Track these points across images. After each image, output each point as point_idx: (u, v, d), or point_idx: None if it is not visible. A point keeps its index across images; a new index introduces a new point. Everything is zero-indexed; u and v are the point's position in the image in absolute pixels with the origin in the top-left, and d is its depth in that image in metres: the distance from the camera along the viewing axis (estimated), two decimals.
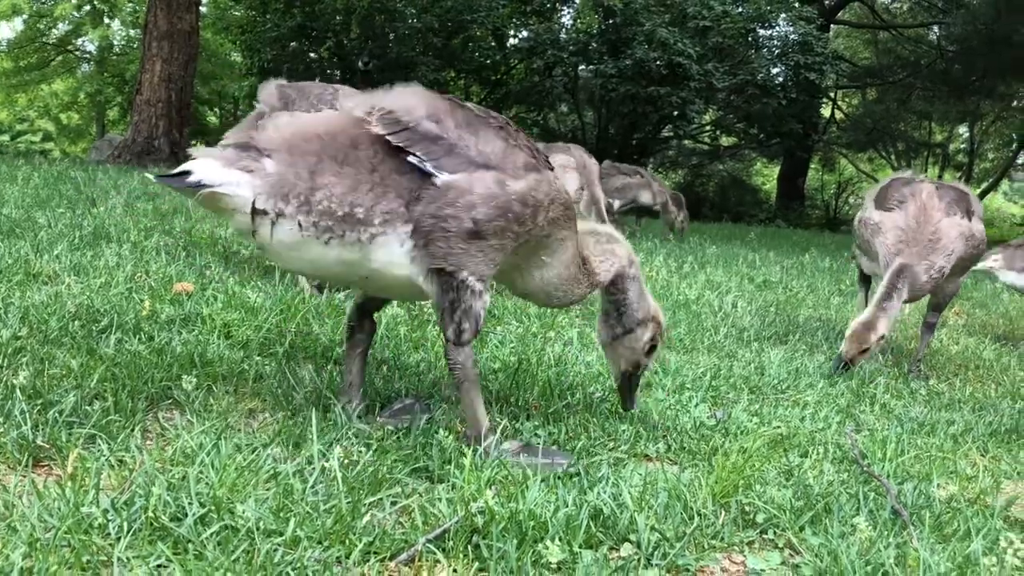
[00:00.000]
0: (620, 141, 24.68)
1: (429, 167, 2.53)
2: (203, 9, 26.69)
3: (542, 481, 2.48)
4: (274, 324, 3.61)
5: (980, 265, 6.07)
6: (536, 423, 3.05)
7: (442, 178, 2.52)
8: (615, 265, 3.04)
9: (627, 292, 3.08)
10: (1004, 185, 44.29)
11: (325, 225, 2.46)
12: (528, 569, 2.03)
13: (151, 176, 2.55)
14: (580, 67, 23.75)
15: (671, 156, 30.71)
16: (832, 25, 28.67)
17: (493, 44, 24.10)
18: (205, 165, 2.42)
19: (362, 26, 21.81)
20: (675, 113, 22.99)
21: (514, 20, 23.90)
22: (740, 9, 22.69)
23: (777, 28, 24.21)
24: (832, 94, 29.42)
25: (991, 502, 2.87)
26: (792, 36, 23.24)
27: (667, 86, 21.56)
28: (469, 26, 22.54)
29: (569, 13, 24.77)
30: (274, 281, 4.43)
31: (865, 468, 3.06)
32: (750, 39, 22.93)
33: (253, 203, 2.42)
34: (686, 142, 28.42)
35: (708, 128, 26.72)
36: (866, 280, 5.46)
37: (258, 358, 3.25)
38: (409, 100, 2.62)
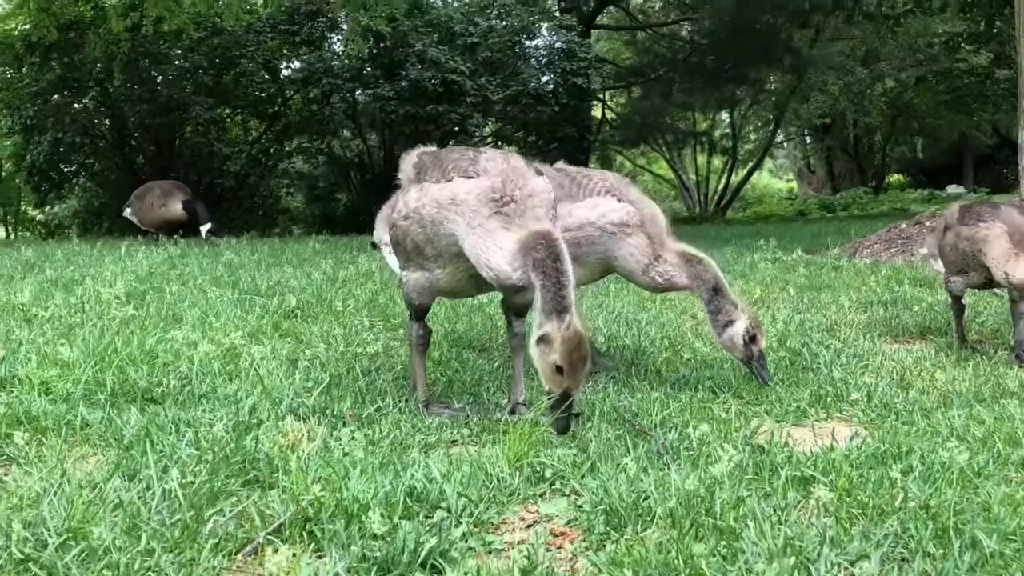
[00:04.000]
0: None
1: None
2: None
3: (361, 472, 2.86)
4: (91, 376, 3.80)
5: (921, 251, 6.68)
6: (352, 428, 3.40)
7: None
8: None
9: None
10: (769, 163, 47.77)
11: None
12: (356, 540, 2.40)
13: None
14: (357, 92, 23.98)
15: None
16: (592, 30, 30.15)
17: (267, 77, 23.97)
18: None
19: (126, 72, 21.22)
20: (456, 129, 23.61)
21: (284, 51, 23.86)
22: (504, 23, 23.61)
23: (541, 38, 25.28)
24: (601, 96, 30.92)
25: (737, 436, 3.46)
26: (557, 44, 24.35)
27: (444, 103, 22.15)
28: (239, 61, 22.36)
29: (339, 41, 24.98)
30: (83, 337, 4.57)
31: (633, 423, 3.60)
32: (517, 51, 23.86)
33: None
34: None
35: (490, 140, 27.56)
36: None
37: (82, 408, 3.44)
38: None
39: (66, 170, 23.99)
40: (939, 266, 5.89)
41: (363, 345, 4.80)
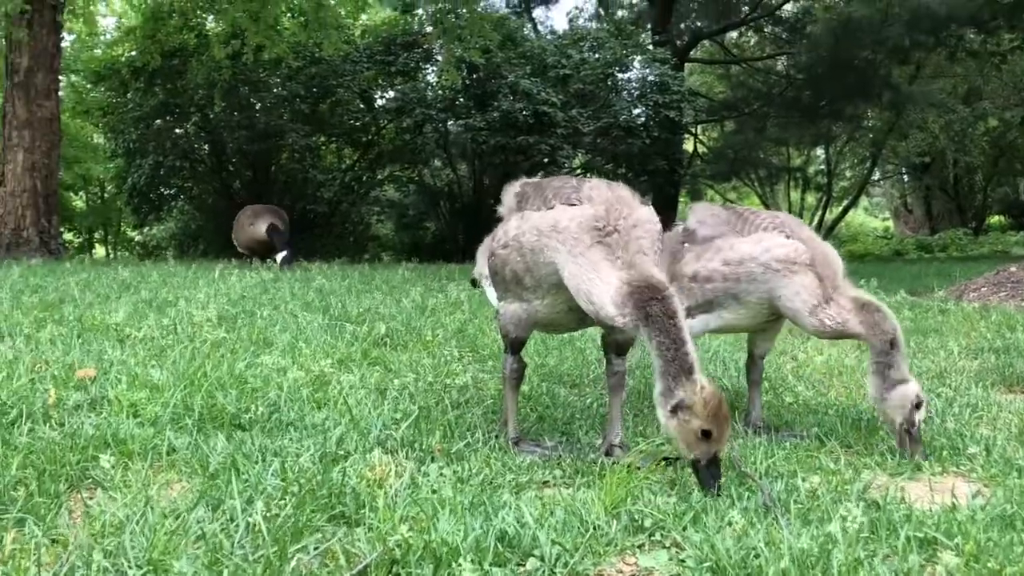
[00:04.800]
0: (495, 191, 25.10)
1: None
2: (61, 94, 26.28)
3: (450, 512, 2.72)
4: (180, 399, 3.76)
5: None
6: (441, 463, 3.28)
7: None
8: None
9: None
10: (864, 201, 46.74)
11: None
12: None
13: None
14: (449, 122, 24.18)
15: None
16: (686, 64, 29.96)
17: (361, 106, 24.36)
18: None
19: (226, 99, 21.79)
20: (545, 160, 23.60)
21: (380, 81, 24.21)
22: (597, 56, 23.59)
23: (634, 71, 25.17)
24: (693, 129, 30.64)
25: (851, 489, 3.24)
26: (649, 77, 24.21)
27: (535, 134, 22.17)
28: (335, 90, 22.77)
29: (434, 71, 25.27)
30: (173, 359, 4.56)
31: (740, 468, 3.40)
32: (609, 83, 23.78)
33: None
34: None
35: (579, 171, 27.48)
36: None
37: (169, 432, 3.39)
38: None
39: (165, 193, 24.70)
40: None
41: (452, 376, 4.69)
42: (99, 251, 34.84)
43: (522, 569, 2.49)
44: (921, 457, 3.89)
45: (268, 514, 2.62)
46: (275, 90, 23.30)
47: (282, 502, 2.68)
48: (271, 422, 3.64)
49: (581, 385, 4.96)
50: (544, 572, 2.46)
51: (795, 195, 34.74)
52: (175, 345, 4.93)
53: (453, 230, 25.82)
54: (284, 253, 12.55)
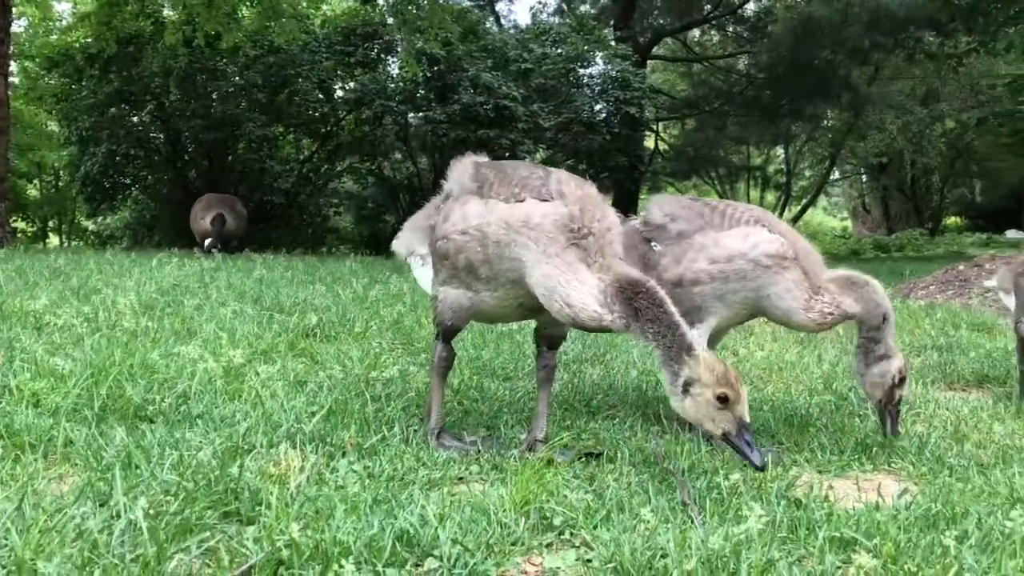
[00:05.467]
0: None
1: None
2: (15, 80, 25.70)
3: (349, 510, 2.59)
4: (84, 389, 3.59)
5: (986, 283, 6.21)
6: (352, 459, 3.14)
7: None
8: None
9: None
10: (823, 201, 47.11)
11: None
12: None
13: None
14: (410, 115, 23.98)
15: None
16: (648, 61, 29.94)
17: (320, 97, 24.06)
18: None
19: (182, 87, 21.43)
20: (507, 155, 23.46)
21: (339, 72, 23.94)
22: (559, 50, 23.50)
23: (596, 67, 25.11)
24: (654, 126, 30.66)
25: (773, 487, 3.15)
26: (611, 73, 24.15)
27: (496, 128, 22.01)
28: (294, 80, 22.46)
29: (394, 63, 25.03)
30: (87, 348, 4.38)
31: (663, 466, 3.30)
32: (571, 78, 23.70)
33: None
34: None
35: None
36: None
37: (67, 424, 3.23)
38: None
39: (119, 182, 24.23)
40: (1010, 301, 5.44)
41: (380, 369, 4.55)
42: (53, 240, 34.25)
43: (419, 570, 2.36)
44: (894, 434, 3.87)
45: (153, 511, 2.47)
46: (233, 79, 22.94)
47: (170, 498, 2.53)
48: (178, 414, 3.48)
49: (514, 378, 4.84)
50: (442, 573, 2.34)
51: (755, 193, 34.92)
52: (92, 333, 4.74)
53: None
54: (209, 240, 12.67)
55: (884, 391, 3.90)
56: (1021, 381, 5.17)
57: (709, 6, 29.53)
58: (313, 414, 3.54)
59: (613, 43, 26.24)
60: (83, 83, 22.57)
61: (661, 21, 30.04)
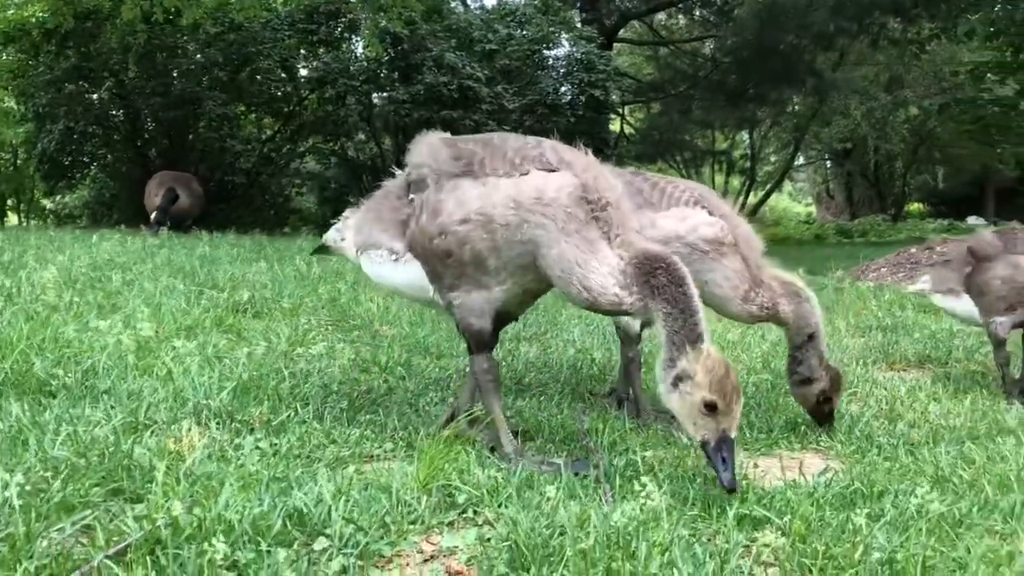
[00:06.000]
0: None
1: None
2: None
3: (244, 488, 2.49)
4: None
5: (911, 287, 6.06)
6: (259, 436, 3.04)
7: None
8: None
9: None
10: (788, 186, 47.29)
11: None
12: (206, 571, 2.04)
13: None
14: (373, 95, 23.74)
15: None
16: (614, 44, 29.84)
17: (283, 75, 23.74)
18: None
19: (141, 64, 21.04)
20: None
21: (302, 51, 23.63)
22: (524, 31, 23.33)
23: (561, 49, 24.96)
24: (620, 110, 30.58)
25: (690, 464, 3.09)
26: (576, 55, 24.01)
27: (459, 109, 21.84)
28: (255, 59, 22.14)
29: (358, 42, 24.76)
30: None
31: (583, 442, 3.23)
32: (536, 60, 23.54)
33: None
34: None
35: None
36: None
37: None
38: None
39: (77, 160, 23.83)
40: (956, 304, 5.27)
41: (307, 345, 4.44)
42: (12, 219, 33.66)
43: (309, 549, 2.27)
44: (827, 432, 3.80)
45: (32, 488, 2.36)
46: (193, 57, 22.57)
47: (49, 475, 2.42)
48: (83, 389, 3.36)
49: (447, 356, 4.75)
50: (332, 552, 2.25)
51: (719, 178, 34.97)
52: (8, 307, 4.59)
53: None
54: (155, 214, 12.56)
55: (810, 407, 3.88)
56: (1007, 385, 5.00)
57: None
58: (224, 390, 3.42)
59: (579, 25, 26.10)
60: (40, 59, 22.10)
61: (628, 4, 29.87)
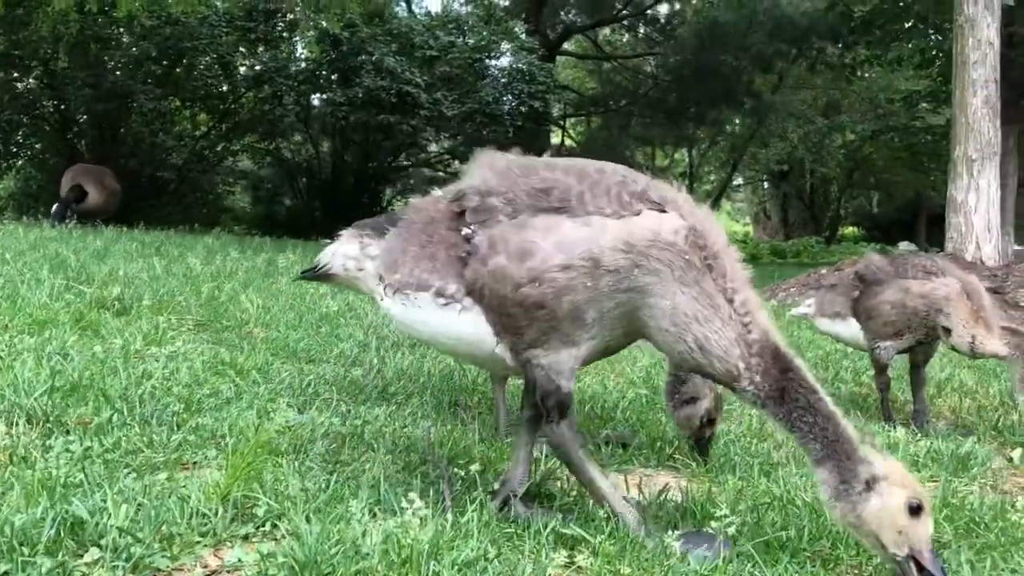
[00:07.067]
0: (356, 169, 24.63)
1: None
2: None
3: (29, 493, 2.34)
4: None
5: (794, 311, 5.98)
6: (73, 438, 2.88)
7: None
8: None
9: None
10: (727, 205, 47.79)
11: None
12: None
13: None
14: (312, 96, 23.52)
15: (410, 184, 31.00)
16: (557, 56, 29.93)
17: (219, 72, 23.39)
18: None
19: (72, 54, 20.58)
20: (408, 141, 23.20)
21: (241, 48, 23.32)
22: (467, 40, 23.28)
23: (504, 58, 24.96)
24: (561, 123, 30.68)
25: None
26: (517, 66, 24.00)
27: (398, 114, 21.70)
28: (191, 53, 21.80)
29: (297, 42, 24.50)
30: None
31: (427, 455, 3.12)
32: (477, 68, 23.49)
33: None
34: (424, 169, 28.76)
35: (445, 156, 27.14)
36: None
37: None
38: None
39: (3, 149, 23.23)
40: (840, 327, 5.25)
41: (163, 344, 4.27)
42: None
43: (80, 560, 2.12)
44: (703, 460, 3.62)
45: None
46: (128, 50, 22.13)
47: None
48: None
49: (317, 361, 4.62)
50: (102, 563, 2.11)
51: None
52: None
53: (310, 207, 25.17)
54: (56, 206, 12.36)
55: (692, 431, 3.67)
56: (884, 410, 4.97)
57: (620, 5, 29.64)
58: (53, 389, 3.25)
59: (522, 36, 26.12)
60: None
61: (572, 17, 30.07)
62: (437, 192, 3.01)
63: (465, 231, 2.75)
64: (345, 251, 3.22)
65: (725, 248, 2.63)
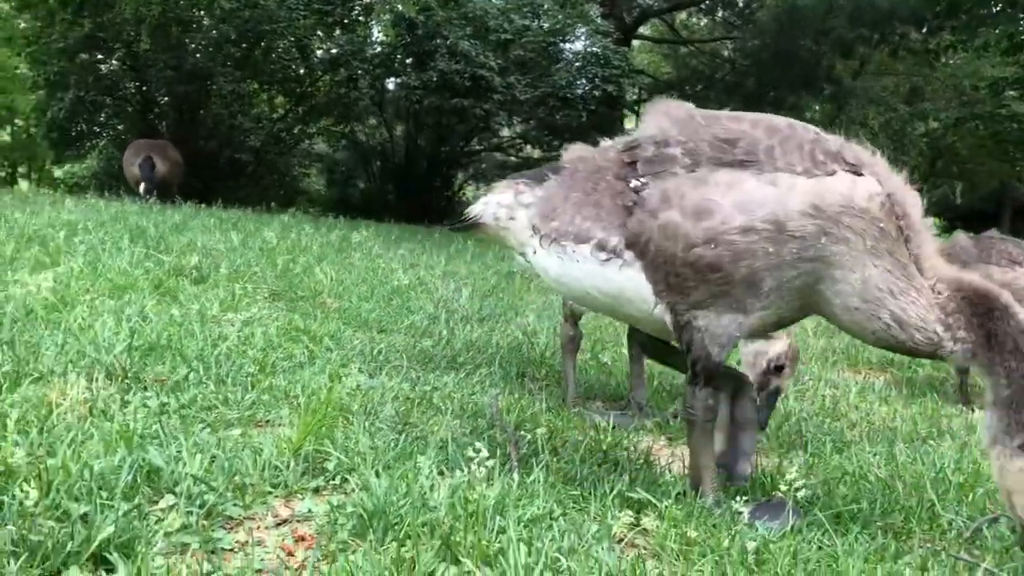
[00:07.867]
0: (429, 153, 24.75)
1: None
2: None
3: (109, 443, 2.41)
4: None
5: None
6: (149, 394, 2.95)
7: None
8: None
9: None
10: None
11: None
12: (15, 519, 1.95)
13: None
14: (387, 80, 23.69)
15: (481, 169, 31.04)
16: (633, 40, 29.65)
17: (297, 55, 23.69)
18: None
19: (154, 36, 21.04)
20: (481, 125, 23.25)
21: (318, 32, 23.58)
22: (541, 23, 23.19)
23: (578, 42, 24.80)
24: (636, 108, 30.37)
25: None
26: (592, 50, 23.83)
27: (471, 98, 21.71)
28: (270, 36, 22.11)
29: (374, 25, 24.69)
30: None
31: (494, 419, 3.13)
32: (551, 52, 23.38)
33: None
34: (496, 154, 28.78)
35: (517, 140, 27.11)
36: None
37: None
38: None
39: (87, 129, 23.86)
40: None
41: (239, 311, 4.35)
42: (23, 186, 33.80)
43: (155, 506, 2.18)
44: (761, 427, 3.29)
45: None
46: (208, 32, 22.54)
47: None
48: None
49: (389, 331, 4.66)
50: (176, 508, 2.15)
51: None
52: None
53: (383, 190, 25.38)
54: (144, 184, 12.59)
55: (757, 374, 3.30)
56: (961, 386, 4.80)
57: None
58: (132, 348, 3.33)
59: (598, 19, 25.91)
60: (55, 26, 22.14)
61: (649, 1, 29.71)
62: (606, 141, 2.89)
63: (635, 183, 2.63)
64: (499, 199, 3.02)
65: (918, 215, 2.51)
